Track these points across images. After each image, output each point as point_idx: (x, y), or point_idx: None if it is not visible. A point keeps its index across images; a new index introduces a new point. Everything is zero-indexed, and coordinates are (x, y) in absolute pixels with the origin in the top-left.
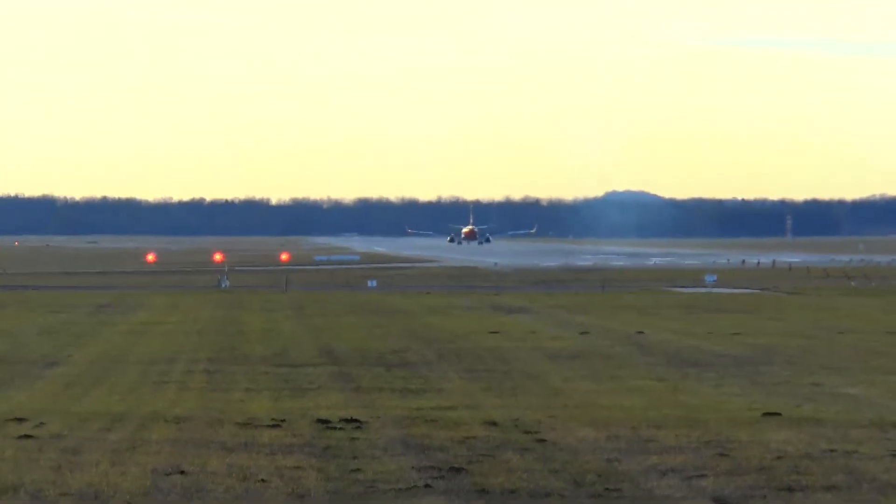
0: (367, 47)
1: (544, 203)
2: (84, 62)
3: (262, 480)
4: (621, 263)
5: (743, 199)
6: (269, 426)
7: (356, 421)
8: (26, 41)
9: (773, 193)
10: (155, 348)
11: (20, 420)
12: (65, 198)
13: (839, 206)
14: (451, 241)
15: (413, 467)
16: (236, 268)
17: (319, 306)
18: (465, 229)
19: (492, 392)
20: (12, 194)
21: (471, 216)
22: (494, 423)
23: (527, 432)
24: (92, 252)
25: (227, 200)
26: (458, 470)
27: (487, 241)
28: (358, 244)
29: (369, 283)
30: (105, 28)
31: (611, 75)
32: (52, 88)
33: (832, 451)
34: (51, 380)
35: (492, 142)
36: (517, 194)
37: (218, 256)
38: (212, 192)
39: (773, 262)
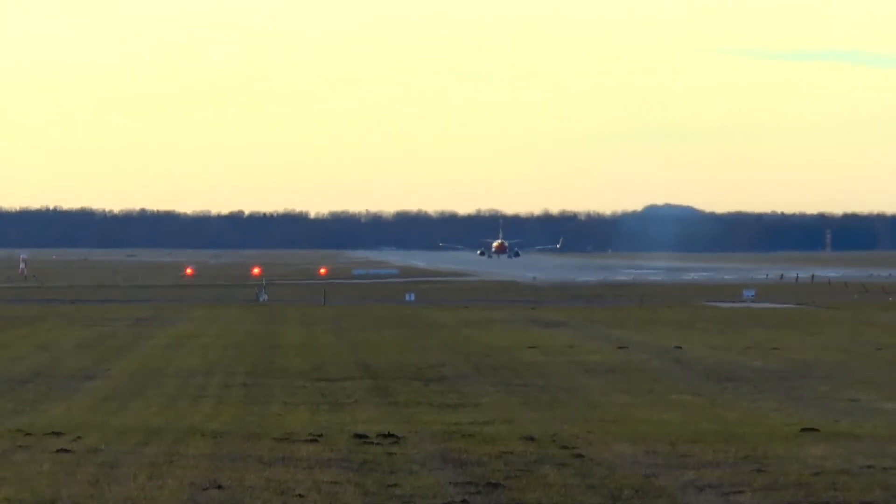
0: (401, 62)
1: (582, 217)
2: (122, 76)
3: (300, 495)
4: (659, 278)
5: (782, 214)
6: (306, 441)
7: (393, 436)
8: (63, 56)
9: (812, 207)
10: (192, 362)
11: (58, 434)
12: (103, 211)
13: (879, 220)
14: (482, 254)
15: (450, 482)
16: (275, 281)
17: (357, 320)
18: (495, 243)
19: (529, 407)
20: (51, 207)
21: (500, 230)
22: (532, 438)
23: (564, 447)
24: (130, 265)
25: (265, 214)
26: (496, 485)
27: (517, 254)
28: (395, 258)
29: (407, 297)
30: (142, 42)
31: (650, 88)
32: (90, 102)
33: (870, 466)
34: (88, 393)
35: (530, 155)
36: (555, 208)
37: (256, 270)
38: (250, 205)
39: (812, 276)
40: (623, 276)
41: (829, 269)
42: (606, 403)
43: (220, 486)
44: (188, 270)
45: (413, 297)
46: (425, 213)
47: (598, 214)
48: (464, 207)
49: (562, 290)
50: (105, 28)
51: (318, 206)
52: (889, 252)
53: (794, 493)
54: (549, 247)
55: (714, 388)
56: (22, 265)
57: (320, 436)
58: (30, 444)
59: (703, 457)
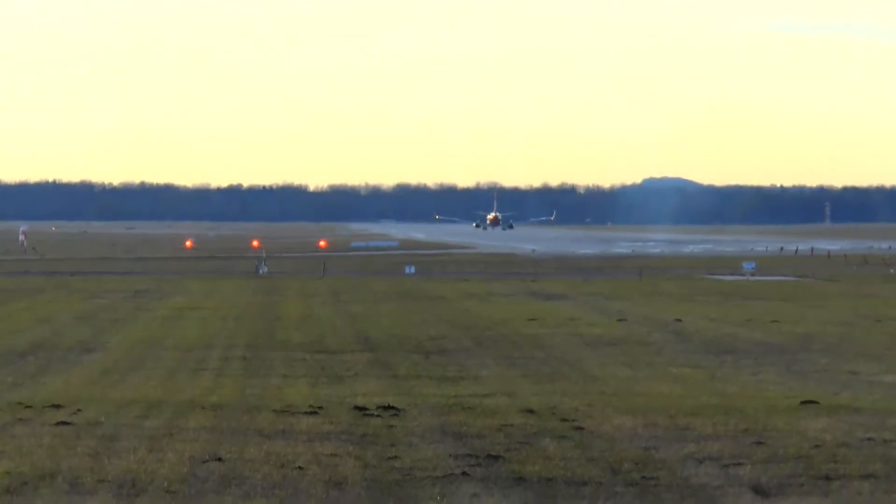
0: (402, 34)
1: (581, 190)
2: (122, 48)
3: (300, 468)
4: (659, 251)
5: (781, 186)
6: (306, 413)
7: (393, 408)
8: (63, 27)
9: (812, 180)
10: (192, 334)
11: (57, 406)
12: (103, 183)
13: (878, 192)
14: (477, 226)
15: (450, 455)
16: (274, 254)
17: (357, 293)
18: (489, 216)
19: (529, 379)
20: (50, 180)
21: (495, 203)
22: (532, 411)
23: (564, 420)
24: (130, 238)
25: (264, 186)
26: (496, 457)
27: (510, 227)
28: (395, 230)
29: (407, 270)
30: (140, 15)
31: (648, 61)
32: (90, 74)
33: (870, 439)
34: (88, 366)
35: (529, 128)
36: (554, 181)
37: (255, 242)
38: (250, 178)
39: (812, 249)
40: (622, 249)
41: (829, 242)
42: (606, 376)
43: (220, 459)
44: (188, 243)
45: (413, 270)
46: (424, 185)
47: (598, 187)
48: (463, 180)
49: (561, 262)
50: (106, 1)
51: (317, 178)
52: (888, 224)
53: (794, 465)
54: (544, 219)
55: (714, 360)
56: (22, 237)
57: (320, 408)
58: (29, 416)
59: (703, 429)
